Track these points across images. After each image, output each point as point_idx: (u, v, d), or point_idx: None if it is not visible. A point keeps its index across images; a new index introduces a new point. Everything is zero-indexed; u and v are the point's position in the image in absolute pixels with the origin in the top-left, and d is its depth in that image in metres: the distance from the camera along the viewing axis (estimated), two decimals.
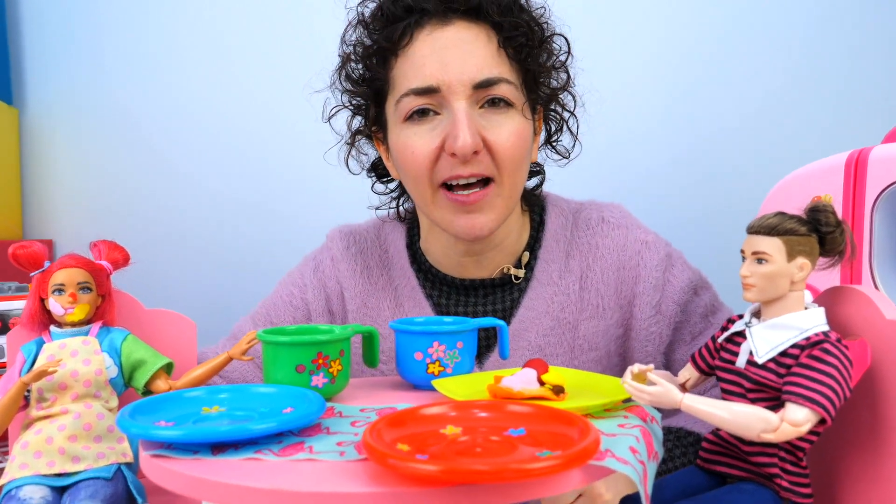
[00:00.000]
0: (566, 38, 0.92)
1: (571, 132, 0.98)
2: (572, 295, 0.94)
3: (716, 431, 0.58)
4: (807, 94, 1.29)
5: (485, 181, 0.86)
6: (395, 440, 0.49)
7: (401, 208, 1.04)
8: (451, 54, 0.84)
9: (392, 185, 1.04)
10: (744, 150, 1.32)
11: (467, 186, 0.86)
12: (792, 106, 1.30)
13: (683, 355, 0.93)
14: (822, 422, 0.51)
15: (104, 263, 0.70)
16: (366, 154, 1.01)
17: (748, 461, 0.55)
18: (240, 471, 0.47)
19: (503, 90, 0.85)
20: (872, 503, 0.54)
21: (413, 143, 0.85)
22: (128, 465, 0.63)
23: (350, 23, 0.93)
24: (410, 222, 1.04)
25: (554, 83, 0.94)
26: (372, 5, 0.91)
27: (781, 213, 0.55)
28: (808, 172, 0.80)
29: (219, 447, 0.51)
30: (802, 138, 1.26)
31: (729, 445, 0.57)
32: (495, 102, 0.85)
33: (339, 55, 0.95)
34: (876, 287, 0.75)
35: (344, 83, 0.95)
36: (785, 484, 0.54)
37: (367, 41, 0.90)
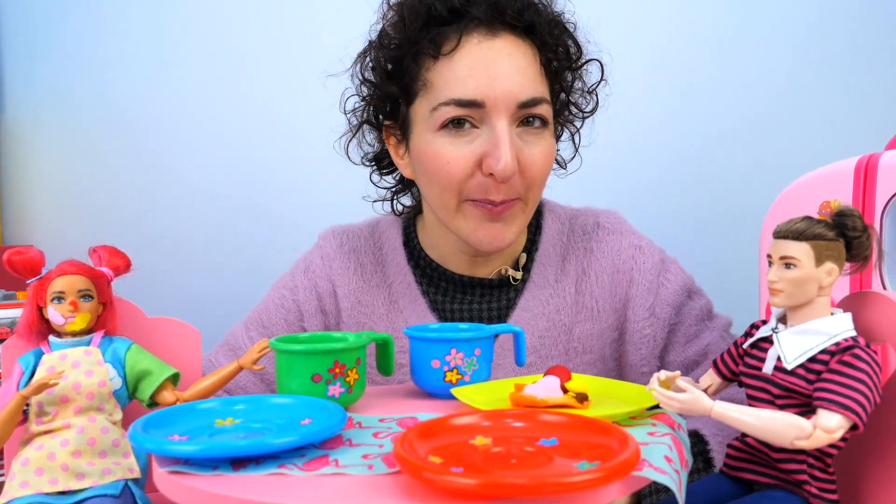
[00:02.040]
0: (601, 64, 0.92)
1: (575, 146, 0.98)
2: (568, 298, 0.95)
3: (742, 438, 0.57)
4: (809, 100, 1.30)
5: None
6: (426, 452, 0.47)
7: (398, 204, 1.02)
8: (500, 69, 0.82)
9: (390, 179, 1.02)
10: (748, 156, 1.32)
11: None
12: (794, 111, 1.31)
13: (677, 357, 0.94)
14: (852, 427, 0.50)
15: (105, 270, 0.67)
16: (371, 145, 0.99)
17: (777, 468, 0.55)
18: (265, 486, 0.45)
19: (543, 110, 0.85)
20: None
21: (448, 154, 0.83)
22: (135, 480, 0.60)
23: (384, 12, 0.90)
24: (407, 220, 1.03)
25: (581, 104, 0.94)
26: None
27: (809, 218, 0.55)
28: (818, 177, 0.80)
29: (239, 462, 0.49)
30: (804, 144, 1.27)
31: (757, 452, 0.56)
32: (530, 122, 0.84)
33: (369, 42, 0.91)
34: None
35: (366, 73, 0.92)
36: (814, 490, 0.53)
37: (404, 36, 0.86)
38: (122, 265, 0.68)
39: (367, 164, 1.00)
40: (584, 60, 0.91)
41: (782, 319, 0.57)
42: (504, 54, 0.83)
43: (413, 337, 0.68)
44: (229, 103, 1.57)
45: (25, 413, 0.61)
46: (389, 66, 0.89)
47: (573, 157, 0.98)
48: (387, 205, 1.04)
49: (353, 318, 0.98)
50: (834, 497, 0.54)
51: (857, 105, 1.26)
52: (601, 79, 0.93)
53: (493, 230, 0.86)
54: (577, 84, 0.93)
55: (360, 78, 0.93)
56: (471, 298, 0.96)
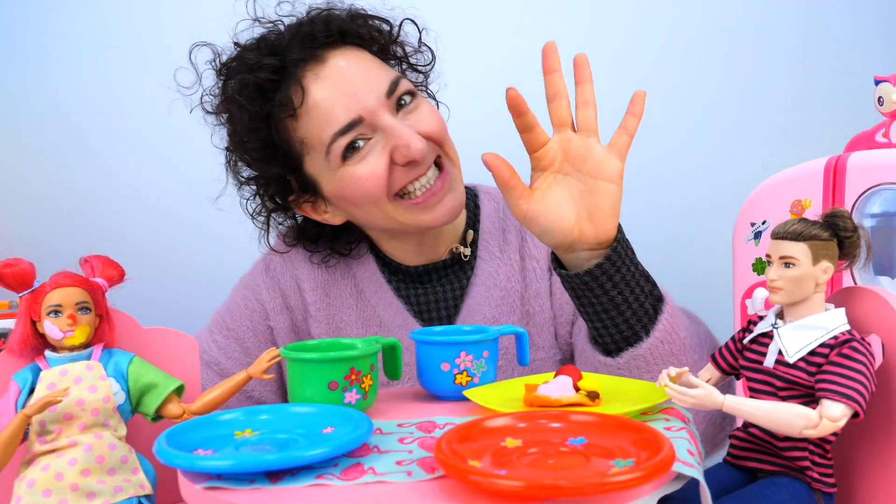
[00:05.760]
0: (414, 21, 0.98)
1: (434, 98, 1.02)
2: (515, 265, 1.00)
3: (745, 428, 0.60)
4: (777, 101, 1.36)
5: (437, 165, 0.91)
6: (465, 455, 0.48)
7: (344, 245, 1.01)
8: (351, 81, 0.86)
9: (320, 242, 1.02)
10: (719, 155, 1.37)
11: (424, 184, 0.89)
12: (762, 113, 1.37)
13: None
14: (853, 415, 0.54)
15: (99, 281, 0.65)
16: (281, 223, 1.01)
17: (781, 455, 0.58)
18: (308, 498, 0.45)
19: (404, 86, 0.90)
20: (886, 489, 0.58)
21: (363, 172, 0.87)
22: (146, 497, 0.59)
23: (217, 116, 0.92)
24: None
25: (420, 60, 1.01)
26: (234, 84, 0.88)
27: (804, 219, 0.58)
28: (788, 177, 0.85)
29: (274, 474, 0.48)
30: (771, 145, 1.33)
31: (761, 441, 0.59)
32: (402, 103, 0.89)
33: (226, 150, 0.94)
34: None
35: (242, 175, 0.95)
36: (815, 475, 0.57)
37: (253, 120, 0.88)
38: (116, 275, 0.66)
39: (293, 243, 1.01)
40: (396, 29, 0.97)
41: (780, 315, 0.60)
42: (343, 68, 0.87)
43: (421, 341, 0.68)
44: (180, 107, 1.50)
45: (25, 432, 0.58)
46: (260, 153, 0.91)
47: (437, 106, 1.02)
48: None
49: (322, 310, 1.00)
50: (832, 480, 0.57)
51: (818, 108, 1.33)
52: (420, 30, 0.98)
53: (445, 205, 0.91)
54: (409, 49, 0.99)
55: (242, 181, 0.96)
56: (430, 285, 1.00)
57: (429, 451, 0.52)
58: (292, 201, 0.96)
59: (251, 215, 0.99)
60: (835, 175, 0.81)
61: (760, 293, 0.89)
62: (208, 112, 0.93)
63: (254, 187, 0.96)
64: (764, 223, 0.87)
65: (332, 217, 0.96)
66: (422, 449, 0.53)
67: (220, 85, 0.91)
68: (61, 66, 1.54)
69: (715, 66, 1.39)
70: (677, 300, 1.01)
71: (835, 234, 0.58)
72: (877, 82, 0.82)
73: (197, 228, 1.48)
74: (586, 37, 1.36)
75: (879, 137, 0.86)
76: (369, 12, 0.95)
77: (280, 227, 1.01)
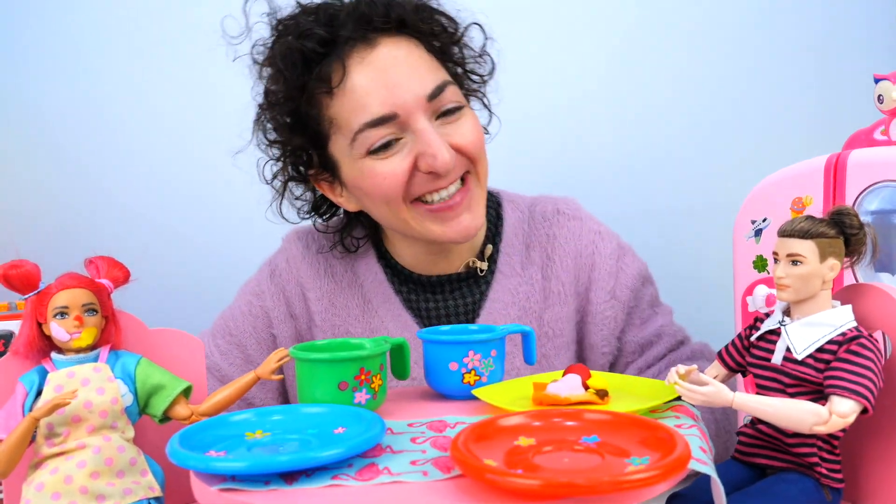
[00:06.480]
0: (480, 25, 0.94)
1: (488, 108, 0.99)
2: (536, 284, 0.97)
3: (754, 425, 0.61)
4: (774, 99, 1.37)
5: (462, 179, 0.88)
6: (480, 455, 0.48)
7: (351, 240, 1.00)
8: (395, 75, 0.83)
9: (333, 222, 1.01)
10: (719, 153, 1.38)
11: (444, 196, 0.86)
12: (761, 109, 1.37)
13: (634, 338, 0.99)
14: (862, 411, 0.54)
15: (104, 282, 0.64)
16: (302, 199, 0.98)
17: (790, 452, 0.58)
18: (324, 499, 0.45)
19: (451, 94, 0.86)
20: (893, 484, 0.59)
21: (383, 170, 0.84)
22: (156, 499, 0.59)
23: (261, 69, 0.89)
24: (369, 221, 1.01)
25: (478, 68, 0.96)
26: (280, 46, 0.86)
27: (810, 217, 0.59)
28: (789, 175, 0.85)
29: (289, 475, 0.48)
30: (770, 142, 1.34)
31: (770, 438, 0.59)
32: (445, 110, 0.85)
33: (258, 106, 0.91)
34: None
35: (268, 136, 0.92)
36: (824, 471, 0.57)
37: (290, 87, 0.85)
38: (122, 276, 0.66)
39: (306, 216, 0.99)
40: (461, 30, 0.93)
41: (787, 312, 0.61)
42: (391, 59, 0.83)
43: (429, 340, 0.68)
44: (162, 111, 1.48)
45: (32, 435, 0.58)
46: (289, 120, 0.89)
47: (490, 122, 0.99)
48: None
49: (328, 320, 0.97)
50: (840, 476, 0.58)
51: (819, 106, 1.34)
52: (486, 38, 0.94)
53: (460, 223, 0.88)
54: (468, 52, 0.94)
55: (267, 142, 0.93)
56: (442, 296, 0.98)
57: (442, 451, 0.52)
58: (311, 175, 0.93)
59: (268, 181, 0.96)
60: (835, 173, 0.81)
61: (761, 290, 0.90)
62: (256, 62, 0.89)
63: (276, 152, 0.93)
64: (764, 220, 0.88)
65: (347, 202, 0.93)
66: (435, 448, 0.53)
67: (271, 39, 0.88)
68: (63, 61, 1.51)
69: (715, 65, 1.39)
70: (678, 298, 1.02)
71: (841, 231, 0.58)
72: (876, 80, 0.83)
73: (202, 229, 1.47)
74: (586, 36, 1.37)
75: (878, 135, 0.87)
76: (435, 5, 0.91)
77: (291, 196, 0.98)
